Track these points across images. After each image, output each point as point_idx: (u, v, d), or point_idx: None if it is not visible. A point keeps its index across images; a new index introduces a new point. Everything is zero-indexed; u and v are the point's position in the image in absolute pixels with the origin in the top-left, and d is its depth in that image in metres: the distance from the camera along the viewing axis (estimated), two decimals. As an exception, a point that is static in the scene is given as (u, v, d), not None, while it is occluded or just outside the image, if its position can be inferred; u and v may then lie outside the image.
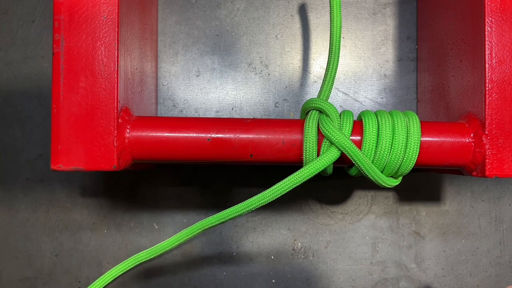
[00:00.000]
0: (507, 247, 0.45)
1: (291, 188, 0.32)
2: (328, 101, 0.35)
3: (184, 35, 0.44)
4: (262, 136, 0.33)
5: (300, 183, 0.32)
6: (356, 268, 0.44)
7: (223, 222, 0.34)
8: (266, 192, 0.32)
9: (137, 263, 0.42)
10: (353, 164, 0.32)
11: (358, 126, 0.33)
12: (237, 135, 0.33)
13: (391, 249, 0.44)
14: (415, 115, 0.33)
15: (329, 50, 0.36)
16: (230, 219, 0.34)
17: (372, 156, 0.32)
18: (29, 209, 0.44)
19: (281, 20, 0.45)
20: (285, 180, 0.32)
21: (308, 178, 0.32)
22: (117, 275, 0.42)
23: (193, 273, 0.44)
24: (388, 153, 0.32)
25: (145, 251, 0.42)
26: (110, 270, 0.42)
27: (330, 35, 0.36)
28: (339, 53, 0.36)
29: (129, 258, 0.42)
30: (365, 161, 0.32)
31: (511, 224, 0.45)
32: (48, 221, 0.44)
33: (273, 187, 0.32)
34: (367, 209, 0.45)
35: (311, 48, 0.45)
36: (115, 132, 0.31)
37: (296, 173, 0.32)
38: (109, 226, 0.44)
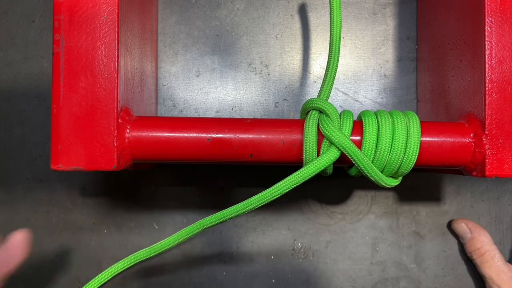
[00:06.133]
0: (507, 247, 0.45)
1: (291, 188, 0.32)
2: (328, 101, 0.35)
3: (184, 35, 0.44)
4: (262, 136, 0.33)
5: (300, 183, 0.32)
6: (356, 268, 0.44)
7: (222, 222, 0.34)
8: (265, 192, 0.32)
9: (136, 261, 0.42)
10: (353, 164, 0.32)
11: (358, 126, 0.33)
12: (237, 135, 0.33)
13: (391, 249, 0.44)
14: (415, 115, 0.33)
15: (329, 50, 0.36)
16: (230, 218, 0.34)
17: (372, 156, 0.32)
18: (29, 209, 0.44)
19: (281, 20, 0.45)
20: (285, 180, 0.32)
21: (308, 178, 0.32)
22: (116, 273, 0.42)
23: (193, 273, 0.44)
24: (388, 153, 0.32)
25: (144, 249, 0.42)
26: (108, 268, 0.42)
27: (330, 35, 0.36)
28: (339, 53, 0.36)
29: (128, 257, 0.42)
30: (365, 161, 0.32)
31: (511, 224, 0.45)
32: (48, 221, 0.44)
33: (273, 187, 0.32)
34: (367, 209, 0.45)
35: (311, 48, 0.45)
36: (115, 132, 0.31)
37: (296, 173, 0.32)
38: (109, 226, 0.44)
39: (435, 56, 0.41)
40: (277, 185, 0.32)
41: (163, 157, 0.33)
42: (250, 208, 0.32)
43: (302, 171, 0.32)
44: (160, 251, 0.41)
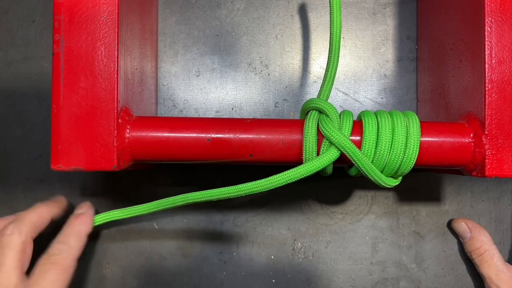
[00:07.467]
0: (507, 247, 0.45)
1: (287, 182, 0.31)
2: (328, 101, 0.35)
3: (184, 35, 0.44)
4: (262, 136, 0.33)
5: (297, 179, 0.31)
6: (356, 268, 0.44)
7: (208, 201, 0.33)
8: (261, 181, 0.32)
9: (109, 220, 0.39)
10: (353, 164, 0.32)
11: (358, 126, 0.33)
12: (237, 135, 0.33)
13: (391, 249, 0.44)
14: (415, 115, 0.33)
15: (329, 50, 0.36)
16: (218, 199, 0.33)
17: (371, 156, 0.32)
18: (29, 209, 0.44)
19: (281, 20, 0.45)
20: (283, 173, 0.31)
21: (306, 175, 0.31)
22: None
23: (193, 273, 0.44)
24: (388, 153, 0.32)
25: (119, 210, 0.39)
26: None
27: (330, 35, 0.36)
28: (339, 53, 0.36)
29: (100, 214, 0.39)
30: (364, 161, 0.32)
31: (511, 224, 0.45)
32: (48, 221, 0.44)
33: (270, 178, 0.32)
34: (367, 209, 0.45)
35: (311, 48, 0.45)
36: (115, 132, 0.31)
37: (295, 168, 0.31)
38: (109, 226, 0.44)
39: (435, 56, 0.41)
40: (274, 177, 0.32)
41: (163, 157, 0.33)
42: (242, 193, 0.32)
43: (301, 167, 0.31)
44: (134, 214, 0.38)
